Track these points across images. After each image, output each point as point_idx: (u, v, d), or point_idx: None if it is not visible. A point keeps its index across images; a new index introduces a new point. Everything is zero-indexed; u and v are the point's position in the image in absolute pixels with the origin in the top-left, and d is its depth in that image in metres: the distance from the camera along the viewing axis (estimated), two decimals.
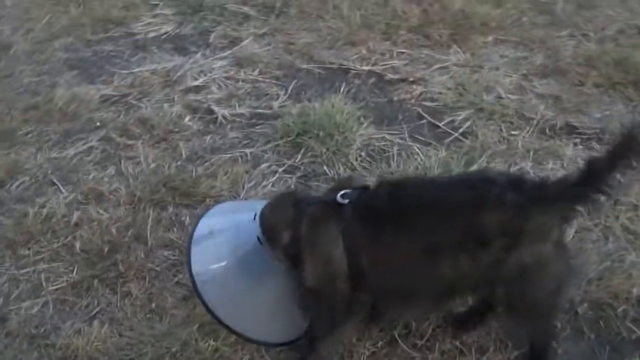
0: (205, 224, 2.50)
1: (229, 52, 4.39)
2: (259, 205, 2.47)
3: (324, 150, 3.47)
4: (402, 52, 4.34)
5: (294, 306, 2.45)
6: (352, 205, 2.23)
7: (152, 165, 3.44)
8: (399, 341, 2.55)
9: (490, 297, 2.30)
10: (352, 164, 3.42)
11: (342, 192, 2.26)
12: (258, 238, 2.37)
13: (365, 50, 4.36)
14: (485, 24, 4.53)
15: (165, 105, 3.88)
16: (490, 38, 4.39)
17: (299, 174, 3.37)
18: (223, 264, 2.43)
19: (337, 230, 2.22)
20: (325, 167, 3.40)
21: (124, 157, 3.52)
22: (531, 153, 3.45)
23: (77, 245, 3.01)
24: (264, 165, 3.42)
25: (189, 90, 4.02)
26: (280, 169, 3.40)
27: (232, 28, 4.65)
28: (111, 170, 3.45)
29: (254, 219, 2.40)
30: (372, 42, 4.41)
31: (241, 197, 3.23)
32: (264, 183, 3.32)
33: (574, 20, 4.60)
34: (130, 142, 3.62)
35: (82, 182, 3.38)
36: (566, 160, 3.41)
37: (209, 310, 2.37)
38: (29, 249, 3.05)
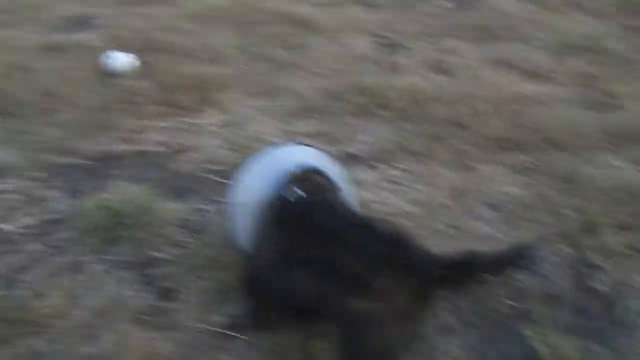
0: None
1: None
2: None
3: (144, 235, 3.35)
4: (159, 125, 4.33)
5: None
6: (295, 204, 2.48)
7: None
8: None
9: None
10: (178, 240, 3.35)
11: (295, 194, 2.51)
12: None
13: (121, 131, 4.27)
14: (219, 83, 4.71)
15: None
16: (232, 94, 4.57)
17: (132, 266, 3.22)
18: None
19: (276, 219, 2.49)
20: (154, 253, 3.29)
21: None
22: None
23: None
24: (91, 269, 3.20)
25: None
26: (110, 268, 3.22)
27: None
28: None
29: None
30: (121, 122, 4.33)
31: (86, 306, 3.01)
32: (106, 286, 3.11)
33: (293, 61, 4.99)
34: None
35: None
36: (369, 185, 3.72)
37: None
38: None
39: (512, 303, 3.00)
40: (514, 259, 2.30)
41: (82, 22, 6.03)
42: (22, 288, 3.11)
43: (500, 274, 2.34)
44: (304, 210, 2.45)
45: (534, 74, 5.00)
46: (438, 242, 3.28)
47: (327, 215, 2.44)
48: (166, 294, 3.07)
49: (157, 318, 2.95)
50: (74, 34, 5.74)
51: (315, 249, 2.28)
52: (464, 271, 2.16)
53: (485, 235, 3.41)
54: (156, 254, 3.28)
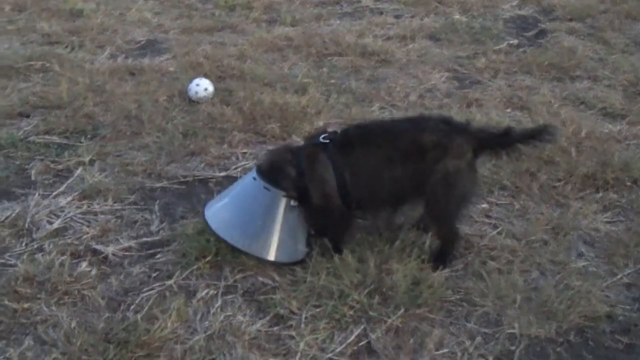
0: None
1: (64, 186, 4.00)
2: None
3: (251, 262, 3.35)
4: (245, 152, 4.35)
5: (297, 232, 3.30)
6: (332, 141, 3.22)
7: (74, 324, 3.01)
8: None
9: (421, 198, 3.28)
10: (285, 267, 3.34)
11: (323, 135, 3.27)
12: (254, 178, 3.24)
13: (209, 157, 4.28)
14: (304, 112, 4.73)
15: (39, 255, 3.41)
16: (320, 123, 4.58)
17: (241, 291, 3.22)
18: (226, 200, 3.38)
19: (326, 159, 3.19)
20: (261, 278, 3.29)
21: (35, 323, 3.03)
22: None
23: None
24: (200, 294, 3.19)
25: (52, 235, 3.58)
26: (219, 292, 3.21)
27: (50, 161, 4.25)
28: (28, 342, 2.95)
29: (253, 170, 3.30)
30: (211, 149, 4.35)
31: (199, 330, 2.99)
32: (213, 311, 3.10)
33: (374, 93, 5.01)
34: (27, 304, 3.12)
35: None
36: (466, 219, 3.70)
37: (223, 239, 3.23)
38: None
39: (620, 338, 3.01)
40: (538, 134, 3.28)
41: (152, 47, 6.08)
42: (131, 311, 3.10)
43: (528, 144, 3.29)
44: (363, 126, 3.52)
45: (609, 113, 5.00)
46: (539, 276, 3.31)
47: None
48: (279, 320, 3.05)
49: (273, 344, 2.94)
50: (146, 58, 5.79)
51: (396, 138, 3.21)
52: (503, 139, 3.26)
53: (585, 270, 3.40)
54: (265, 280, 3.27)
